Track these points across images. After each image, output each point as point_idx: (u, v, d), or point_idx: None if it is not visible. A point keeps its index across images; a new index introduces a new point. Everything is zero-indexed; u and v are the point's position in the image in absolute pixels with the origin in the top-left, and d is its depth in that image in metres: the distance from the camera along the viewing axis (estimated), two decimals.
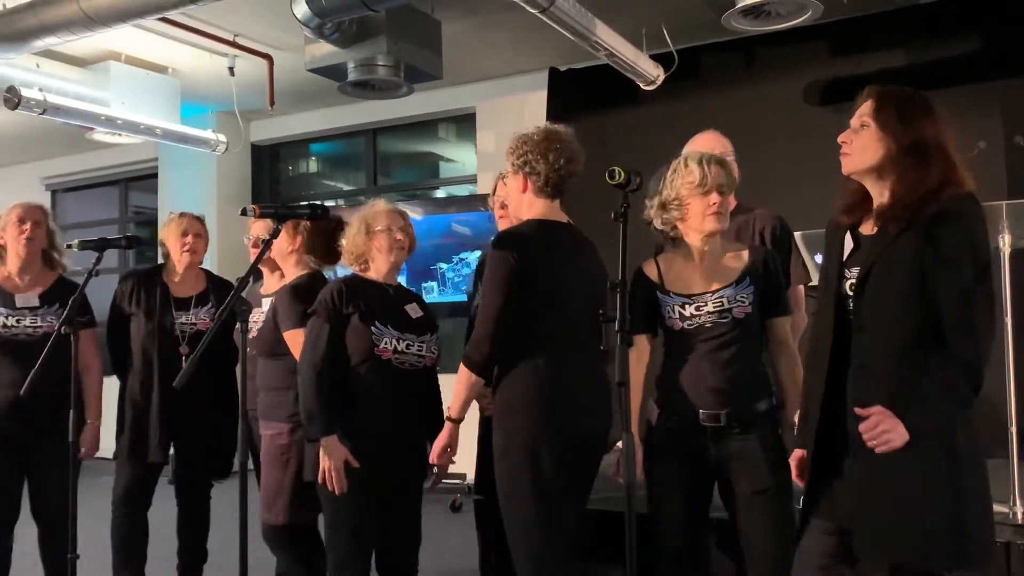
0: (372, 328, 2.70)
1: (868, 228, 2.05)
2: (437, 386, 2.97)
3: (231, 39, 5.41)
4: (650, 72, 4.79)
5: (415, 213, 6.13)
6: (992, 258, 3.34)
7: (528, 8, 3.63)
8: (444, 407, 2.95)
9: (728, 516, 2.44)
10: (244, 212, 2.64)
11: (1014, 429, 3.34)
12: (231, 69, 5.73)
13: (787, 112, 5.05)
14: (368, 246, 2.84)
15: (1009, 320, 3.40)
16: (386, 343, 2.71)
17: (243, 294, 3.44)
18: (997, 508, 3.22)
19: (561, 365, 2.40)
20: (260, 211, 2.67)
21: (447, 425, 2.54)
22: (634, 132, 5.45)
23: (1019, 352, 3.42)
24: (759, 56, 5.27)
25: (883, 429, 1.85)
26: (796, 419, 2.21)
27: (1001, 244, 3.42)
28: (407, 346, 2.75)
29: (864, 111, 2.01)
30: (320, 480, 2.65)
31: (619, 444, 2.24)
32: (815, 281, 3.07)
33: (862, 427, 1.88)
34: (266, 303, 3.08)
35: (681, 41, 4.62)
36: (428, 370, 2.84)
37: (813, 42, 5.00)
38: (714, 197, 2.37)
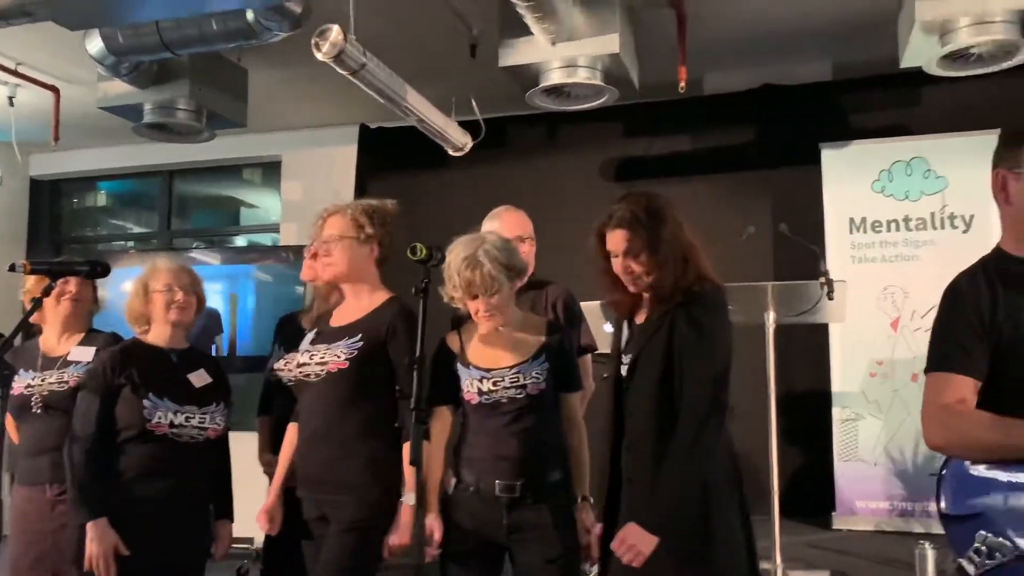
0: (145, 401, 2.54)
1: (641, 317, 2.27)
2: (225, 457, 2.84)
3: (13, 68, 5.01)
4: (458, 139, 4.92)
5: (212, 260, 5.89)
6: (759, 332, 3.73)
7: (338, 70, 3.64)
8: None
9: None
10: (12, 268, 2.42)
11: (775, 488, 3.64)
12: (11, 99, 5.30)
13: (585, 186, 5.35)
14: (146, 308, 2.69)
15: (772, 388, 3.74)
16: (160, 417, 2.55)
17: (17, 353, 3.16)
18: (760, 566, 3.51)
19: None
20: (31, 267, 2.46)
21: None
22: (443, 194, 5.56)
23: (780, 417, 3.76)
24: (561, 131, 5.56)
25: (629, 544, 2.04)
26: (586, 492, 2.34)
27: (767, 320, 3.78)
28: (186, 419, 2.60)
29: (620, 244, 2.25)
30: (88, 567, 2.44)
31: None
32: (602, 349, 3.25)
33: (613, 547, 2.07)
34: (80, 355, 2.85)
35: (489, 111, 4.79)
36: (212, 442, 2.70)
37: (609, 122, 5.33)
38: (474, 304, 2.44)
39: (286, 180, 6.42)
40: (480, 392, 2.45)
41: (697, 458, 2.09)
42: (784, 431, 3.83)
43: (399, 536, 2.39)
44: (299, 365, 2.60)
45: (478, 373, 2.47)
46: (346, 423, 2.48)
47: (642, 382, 2.16)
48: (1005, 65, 3.97)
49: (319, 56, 3.53)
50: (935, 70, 4.07)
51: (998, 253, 1.89)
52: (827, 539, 4.33)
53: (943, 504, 1.81)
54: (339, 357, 2.50)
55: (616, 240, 2.26)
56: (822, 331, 4.68)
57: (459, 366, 2.51)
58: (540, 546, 2.39)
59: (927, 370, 1.88)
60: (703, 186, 5.22)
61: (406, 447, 2.37)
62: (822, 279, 3.66)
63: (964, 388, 1.80)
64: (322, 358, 2.53)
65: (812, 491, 4.67)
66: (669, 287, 2.20)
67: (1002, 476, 1.75)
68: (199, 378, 2.70)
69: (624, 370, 2.22)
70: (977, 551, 1.72)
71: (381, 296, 2.60)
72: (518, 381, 2.44)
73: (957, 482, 1.80)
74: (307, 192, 6.26)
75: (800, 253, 3.94)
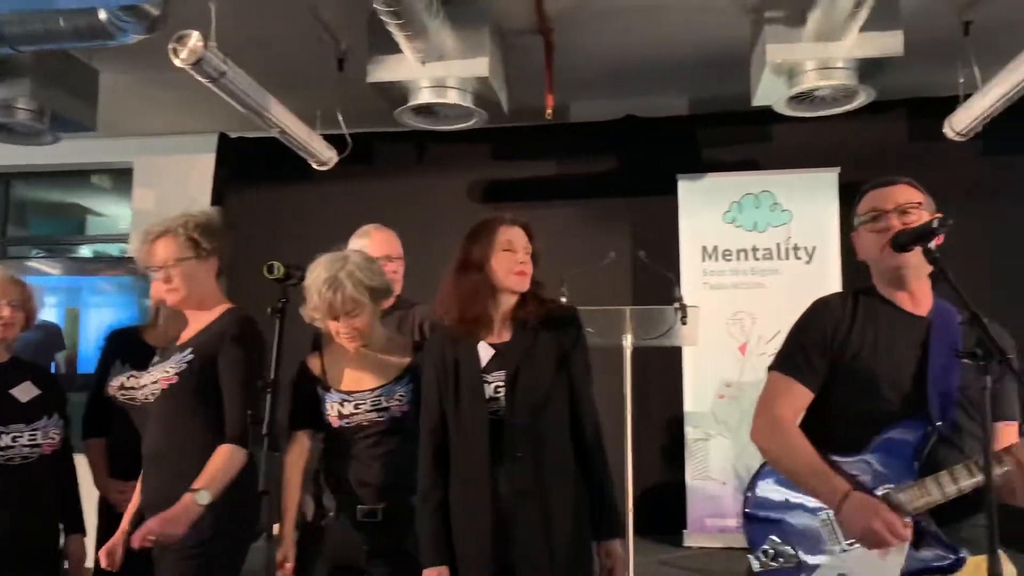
0: None
1: (498, 337, 2.29)
2: (69, 470, 2.67)
3: None
4: (323, 153, 4.81)
5: (53, 270, 5.52)
6: (616, 354, 3.83)
7: (197, 77, 3.50)
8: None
9: None
10: None
11: (630, 506, 3.73)
12: None
13: (453, 206, 5.33)
14: None
15: (629, 408, 3.84)
16: None
17: None
18: None
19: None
20: None
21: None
22: (306, 210, 5.44)
23: (636, 436, 3.85)
24: (430, 150, 5.54)
25: (623, 560, 2.20)
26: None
27: (625, 343, 3.89)
28: (13, 439, 2.43)
29: (524, 241, 2.32)
30: None
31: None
32: None
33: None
34: None
35: (356, 126, 4.73)
36: (49, 458, 2.52)
37: (478, 144, 5.37)
38: (335, 325, 2.42)
39: (138, 188, 6.10)
40: (341, 415, 2.40)
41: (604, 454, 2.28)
42: (639, 450, 3.94)
43: (161, 522, 2.17)
44: (139, 387, 2.49)
45: (339, 396, 2.42)
46: (180, 443, 2.36)
47: (530, 391, 2.20)
48: (845, 108, 4.29)
49: (177, 62, 3.39)
50: (783, 109, 4.33)
51: (869, 287, 2.06)
52: (678, 556, 4.47)
53: (748, 503, 2.03)
54: (168, 372, 2.40)
55: (521, 235, 2.32)
56: (676, 354, 4.86)
57: (320, 389, 2.46)
58: (402, 572, 2.35)
59: (772, 367, 2.04)
60: (567, 211, 5.33)
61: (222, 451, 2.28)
62: (676, 304, 3.80)
63: (799, 397, 1.98)
64: (155, 378, 2.43)
65: (665, 509, 4.81)
66: (541, 297, 2.32)
67: (804, 495, 1.94)
68: (25, 391, 2.53)
69: (494, 388, 2.22)
70: (765, 552, 1.95)
71: (220, 309, 2.50)
72: (380, 403, 2.41)
73: (766, 488, 2.01)
74: (160, 201, 5.96)
75: (657, 279, 4.07)
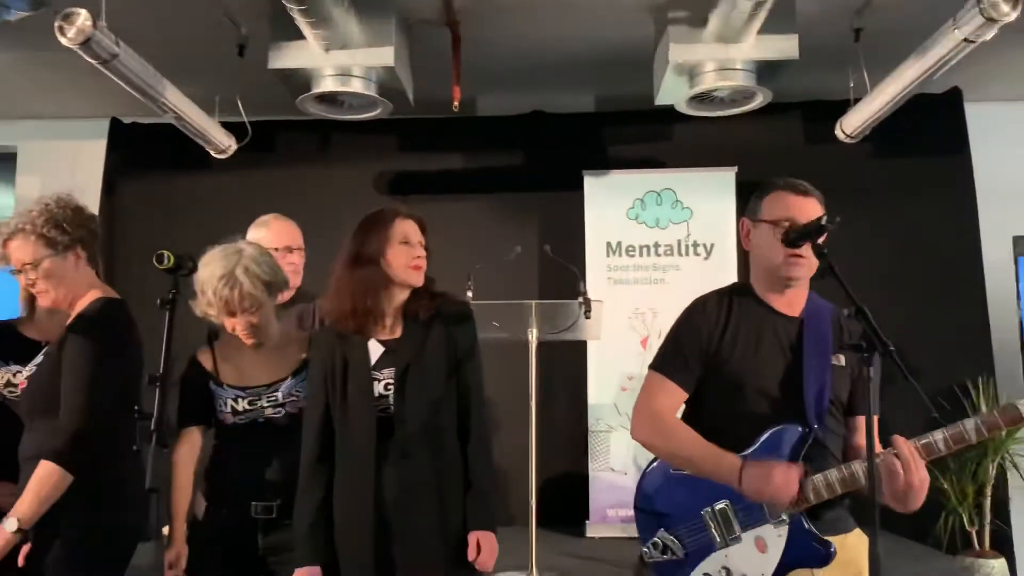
0: None
1: (388, 332, 2.28)
2: None
3: None
4: (222, 141, 4.66)
5: None
6: (522, 348, 3.84)
7: (86, 58, 3.33)
8: None
9: None
10: None
11: (534, 502, 3.76)
12: None
13: (358, 198, 5.23)
14: None
15: (533, 402, 3.86)
16: None
17: None
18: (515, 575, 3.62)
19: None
20: None
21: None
22: (204, 198, 5.27)
23: (540, 430, 3.88)
24: (334, 140, 5.44)
25: (491, 550, 2.18)
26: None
27: (530, 337, 3.90)
28: None
29: (419, 235, 2.31)
30: None
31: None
32: None
33: (480, 560, 2.16)
34: None
35: (257, 114, 4.60)
36: None
37: (383, 135, 5.29)
38: (232, 322, 2.35)
39: (22, 174, 5.79)
40: (235, 412, 2.34)
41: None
42: (543, 442, 3.97)
43: None
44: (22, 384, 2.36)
45: (233, 392, 2.36)
46: (30, 445, 2.24)
47: (419, 389, 2.20)
48: (744, 109, 4.41)
49: (64, 41, 3.22)
50: (685, 109, 4.43)
51: (745, 286, 2.11)
52: (580, 547, 4.53)
53: (638, 497, 2.11)
54: (22, 374, 2.32)
55: (416, 229, 2.30)
56: (581, 347, 4.92)
57: (212, 385, 2.38)
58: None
59: (651, 366, 2.11)
60: (474, 205, 5.33)
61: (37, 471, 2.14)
62: (581, 299, 3.84)
63: (674, 396, 2.06)
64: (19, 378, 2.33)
65: (568, 500, 4.87)
66: (433, 291, 2.32)
67: (690, 491, 2.02)
68: None
69: (384, 386, 2.21)
70: (655, 544, 2.02)
71: (89, 297, 2.35)
72: (276, 399, 2.36)
73: (655, 483, 2.10)
74: (47, 188, 5.48)
75: (562, 273, 4.11)
